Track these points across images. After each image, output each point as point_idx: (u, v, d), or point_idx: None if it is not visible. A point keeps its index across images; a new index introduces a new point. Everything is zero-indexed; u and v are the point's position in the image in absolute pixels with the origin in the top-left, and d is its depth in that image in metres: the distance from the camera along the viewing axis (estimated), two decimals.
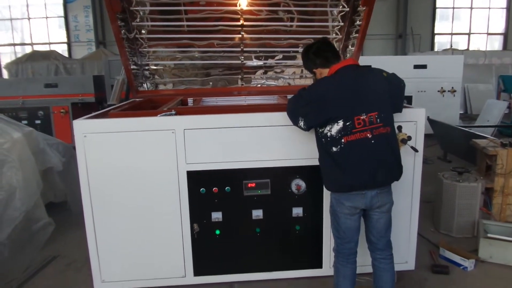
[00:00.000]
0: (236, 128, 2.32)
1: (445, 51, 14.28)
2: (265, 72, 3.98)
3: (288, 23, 3.59)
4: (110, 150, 2.29)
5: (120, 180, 2.33)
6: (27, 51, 15.49)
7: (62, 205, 3.97)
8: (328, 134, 1.97)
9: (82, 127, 2.25)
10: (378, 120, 1.97)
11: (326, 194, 2.45)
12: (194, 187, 2.37)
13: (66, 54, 15.01)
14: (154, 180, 2.34)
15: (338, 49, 3.76)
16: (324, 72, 2.15)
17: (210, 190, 2.39)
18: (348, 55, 3.72)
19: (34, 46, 15.72)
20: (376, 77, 2.10)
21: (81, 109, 7.23)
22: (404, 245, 2.59)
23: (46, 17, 15.66)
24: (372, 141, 1.95)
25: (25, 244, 3.19)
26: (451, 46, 16.90)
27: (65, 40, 15.91)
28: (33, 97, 6.96)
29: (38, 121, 6.99)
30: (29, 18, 15.68)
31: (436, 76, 7.61)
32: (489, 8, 17.03)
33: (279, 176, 2.41)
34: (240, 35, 3.58)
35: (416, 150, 2.39)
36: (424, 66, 7.61)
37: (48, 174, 3.69)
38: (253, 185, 2.40)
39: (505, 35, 17.44)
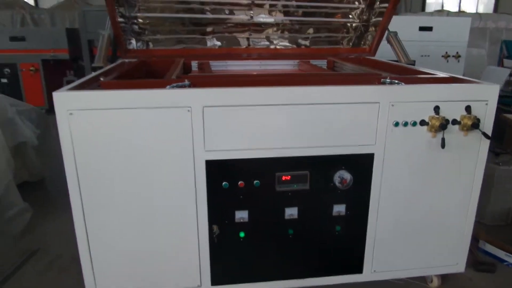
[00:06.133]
0: (271, 106, 1.79)
1: (439, 12, 13.72)
2: (277, 31, 3.38)
3: None
4: (105, 133, 1.74)
5: (119, 171, 1.80)
6: None
7: (38, 185, 3.40)
8: None
9: (67, 101, 1.67)
10: None
11: (374, 189, 2.01)
12: (214, 180, 1.86)
13: (32, 2, 13.57)
14: (163, 170, 1.82)
15: (363, 6, 3.21)
16: None
17: (234, 184, 1.89)
18: (375, 13, 3.17)
19: None
20: None
21: (53, 67, 6.43)
22: (457, 245, 2.21)
23: None
24: None
25: None
26: (443, 7, 16.38)
27: None
28: None
29: (4, 80, 6.17)
30: None
31: (442, 40, 7.14)
32: None
33: (321, 167, 1.93)
34: None
35: (488, 137, 1.96)
36: (430, 28, 7.10)
37: (21, 149, 3.08)
38: (288, 178, 1.92)
39: None
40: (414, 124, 1.93)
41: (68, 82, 6.31)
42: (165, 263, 1.99)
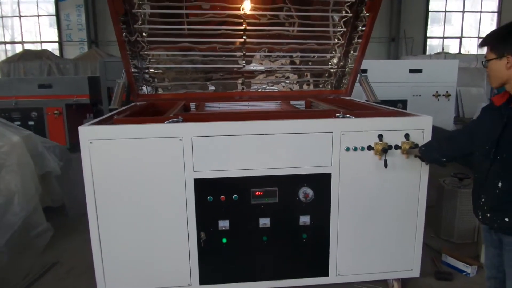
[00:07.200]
0: (245, 136, 2.30)
1: (437, 54, 14.43)
2: (266, 77, 3.96)
3: (290, 28, 3.58)
4: (116, 157, 2.25)
5: (125, 187, 2.29)
6: (17, 50, 15.30)
7: (59, 210, 3.91)
8: None
9: (88, 133, 2.21)
10: None
11: (334, 202, 2.44)
12: (201, 195, 2.34)
13: (57, 53, 14.82)
14: (160, 187, 2.31)
15: (339, 54, 3.78)
16: None
17: (217, 198, 2.36)
18: (349, 60, 3.73)
19: (24, 44, 15.52)
20: None
21: (75, 111, 7.14)
22: (410, 252, 2.59)
23: (38, 15, 15.46)
24: None
25: (24, 250, 3.12)
26: (443, 49, 17.11)
27: (57, 39, 15.73)
28: (27, 97, 6.81)
29: (31, 122, 6.86)
30: (20, 16, 15.45)
31: (431, 81, 7.67)
32: (481, 12, 17.30)
33: (287, 184, 2.40)
34: (242, 39, 3.56)
35: (423, 160, 2.39)
36: (419, 71, 7.66)
37: (46, 178, 3.62)
38: (261, 193, 2.38)
39: None
40: (362, 149, 2.40)
41: None
42: (161, 266, 2.42)
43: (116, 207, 2.31)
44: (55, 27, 15.55)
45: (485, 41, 1.79)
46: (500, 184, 1.76)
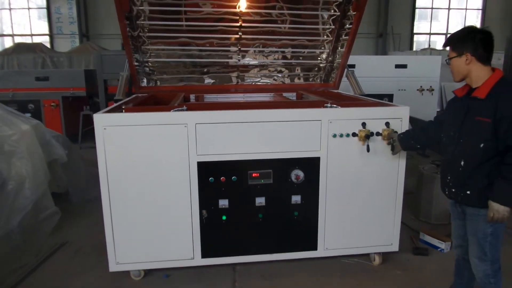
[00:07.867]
0: (243, 123, 2.56)
1: (423, 50, 14.83)
2: (260, 71, 4.21)
3: (282, 25, 3.83)
4: (127, 141, 2.49)
5: (135, 169, 2.54)
6: (6, 42, 15.24)
7: (64, 195, 4.12)
8: None
9: (102, 120, 2.44)
10: None
11: (322, 183, 2.73)
12: (203, 177, 2.60)
13: (48, 46, 14.80)
14: (167, 169, 2.56)
15: (328, 50, 4.05)
16: (476, 68, 1.98)
17: (218, 179, 2.62)
18: (337, 56, 4.00)
19: (14, 37, 15.45)
20: None
21: (72, 103, 7.31)
22: (390, 229, 2.89)
23: (28, 8, 15.39)
24: None
25: (34, 231, 3.34)
26: (429, 45, 17.53)
27: (47, 32, 15.68)
28: (24, 90, 6.98)
29: (28, 114, 7.00)
30: (10, 9, 15.36)
31: (416, 76, 8.00)
32: (466, 9, 17.75)
33: (280, 167, 2.67)
34: (238, 35, 3.80)
35: (392, 149, 2.67)
36: (404, 66, 7.98)
37: (53, 165, 3.83)
38: (257, 175, 2.65)
39: None
40: (348, 135, 2.68)
41: (85, 116, 7.07)
42: (167, 241, 2.68)
43: (126, 188, 2.55)
44: (45, 20, 15.49)
45: (447, 42, 2.10)
46: (462, 163, 2.06)
